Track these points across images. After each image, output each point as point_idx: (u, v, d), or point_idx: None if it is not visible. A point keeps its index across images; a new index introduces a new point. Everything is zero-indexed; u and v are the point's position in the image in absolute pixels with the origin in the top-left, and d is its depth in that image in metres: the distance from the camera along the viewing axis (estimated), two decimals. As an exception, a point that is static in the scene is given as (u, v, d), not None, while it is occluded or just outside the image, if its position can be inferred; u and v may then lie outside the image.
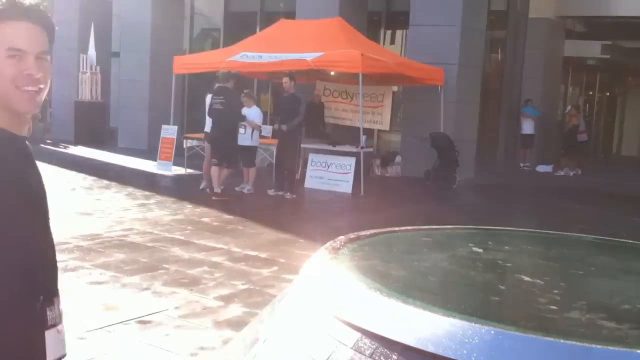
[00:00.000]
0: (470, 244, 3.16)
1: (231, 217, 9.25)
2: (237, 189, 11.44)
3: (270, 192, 11.30)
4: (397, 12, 17.50)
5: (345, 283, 2.40)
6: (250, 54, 12.54)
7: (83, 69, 19.33)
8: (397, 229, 3.64)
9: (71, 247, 6.95)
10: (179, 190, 12.01)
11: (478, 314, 2.16)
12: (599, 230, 9.35)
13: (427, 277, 2.67)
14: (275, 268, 6.60)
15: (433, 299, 2.31)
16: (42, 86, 1.61)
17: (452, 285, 2.68)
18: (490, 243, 3.31)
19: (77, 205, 9.52)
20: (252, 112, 11.32)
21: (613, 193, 13.83)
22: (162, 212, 9.44)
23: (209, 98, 11.20)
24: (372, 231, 3.32)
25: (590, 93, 23.50)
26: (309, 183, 12.43)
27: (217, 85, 10.96)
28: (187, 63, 14.18)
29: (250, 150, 11.50)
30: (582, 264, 2.97)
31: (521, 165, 17.92)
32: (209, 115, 10.96)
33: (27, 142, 1.67)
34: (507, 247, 3.41)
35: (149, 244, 7.41)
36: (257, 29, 18.07)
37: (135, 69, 18.36)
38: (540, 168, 17.62)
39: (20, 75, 1.57)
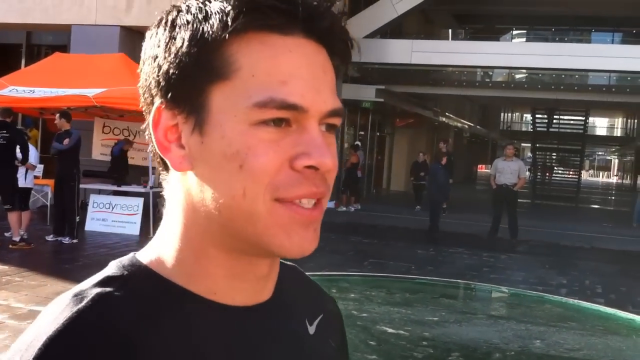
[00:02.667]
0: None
1: (5, 267, 8.23)
2: (7, 234, 10.31)
3: (49, 237, 10.32)
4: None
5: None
6: (21, 89, 11.63)
7: None
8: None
9: None
10: None
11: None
12: (393, 264, 9.82)
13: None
14: (68, 325, 5.90)
15: None
16: (327, 193, 0.73)
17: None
18: (334, 291, 3.13)
19: None
20: (27, 151, 10.34)
21: (392, 226, 14.59)
22: None
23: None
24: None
25: (362, 133, 24.92)
26: (90, 226, 11.57)
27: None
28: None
29: (25, 192, 10.47)
30: (434, 308, 2.92)
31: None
32: None
33: (272, 316, 0.80)
34: (352, 295, 3.25)
35: None
36: (22, 62, 16.90)
37: None
38: (322, 205, 18.14)
39: (288, 172, 0.69)
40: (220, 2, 0.69)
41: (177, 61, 0.70)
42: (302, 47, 0.70)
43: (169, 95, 0.71)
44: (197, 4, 0.71)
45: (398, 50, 19.60)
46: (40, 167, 12.51)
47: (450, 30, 31.70)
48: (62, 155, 10.25)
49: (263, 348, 0.77)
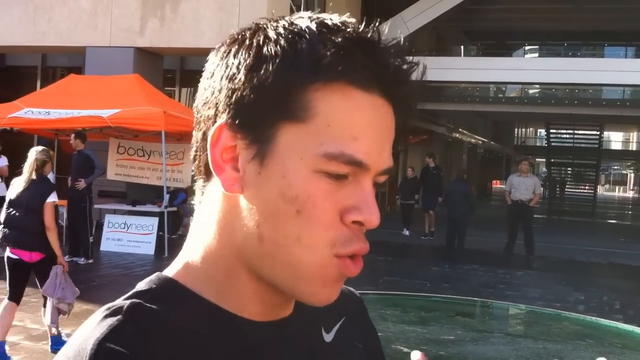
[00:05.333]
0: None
1: (21, 288, 8.26)
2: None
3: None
4: (192, 70, 17.39)
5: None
6: (36, 110, 11.75)
7: None
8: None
9: None
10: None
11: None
12: (408, 282, 9.77)
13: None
14: (83, 345, 5.90)
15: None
16: (367, 246, 0.72)
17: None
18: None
19: None
20: (44, 172, 10.43)
21: (405, 244, 14.53)
22: None
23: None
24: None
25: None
26: (105, 246, 11.62)
27: None
28: (-39, 119, 12.78)
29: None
30: (450, 326, 2.90)
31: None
32: None
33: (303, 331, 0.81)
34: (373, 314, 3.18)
35: None
36: (38, 84, 17.08)
37: None
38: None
39: (341, 227, 0.70)
40: (313, 42, 0.68)
41: (256, 90, 0.68)
42: (376, 106, 0.70)
43: (236, 118, 0.70)
44: (287, 33, 0.69)
45: (410, 68, 19.62)
46: (55, 188, 12.59)
47: (462, 47, 31.72)
48: (74, 177, 10.34)
49: None
